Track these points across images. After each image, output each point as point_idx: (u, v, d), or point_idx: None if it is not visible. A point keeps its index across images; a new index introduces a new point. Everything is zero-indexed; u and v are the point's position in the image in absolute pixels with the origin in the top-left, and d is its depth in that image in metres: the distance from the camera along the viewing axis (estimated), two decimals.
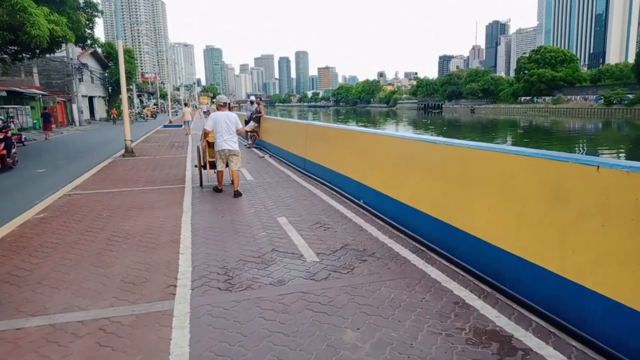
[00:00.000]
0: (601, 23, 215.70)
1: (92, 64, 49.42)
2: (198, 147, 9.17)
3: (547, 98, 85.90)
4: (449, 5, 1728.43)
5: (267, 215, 6.35)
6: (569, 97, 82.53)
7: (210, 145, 8.40)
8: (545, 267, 3.35)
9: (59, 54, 43.68)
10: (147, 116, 54.59)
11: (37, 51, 21.87)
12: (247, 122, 16.54)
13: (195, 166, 9.42)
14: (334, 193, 7.69)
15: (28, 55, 22.15)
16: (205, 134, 8.15)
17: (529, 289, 3.48)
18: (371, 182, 6.30)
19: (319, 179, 8.79)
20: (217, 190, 8.15)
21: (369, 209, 6.28)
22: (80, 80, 41.77)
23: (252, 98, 16.79)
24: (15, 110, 28.20)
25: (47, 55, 40.56)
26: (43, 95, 34.43)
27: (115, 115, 45.54)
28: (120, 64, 14.20)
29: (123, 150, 14.25)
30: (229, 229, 5.71)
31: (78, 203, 7.49)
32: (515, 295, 3.55)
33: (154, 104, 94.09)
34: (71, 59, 39.28)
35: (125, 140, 14.11)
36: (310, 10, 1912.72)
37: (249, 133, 16.37)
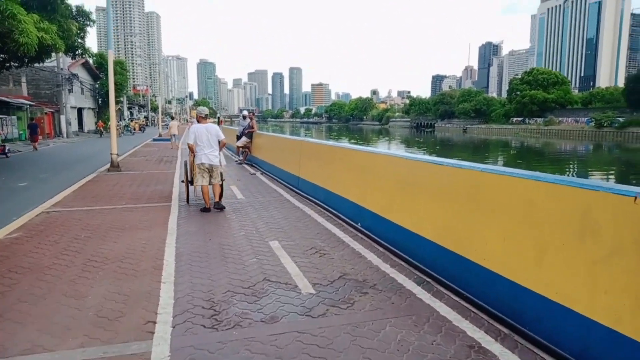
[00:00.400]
0: (592, 47, 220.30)
1: (82, 74, 48.94)
2: (185, 162, 8.88)
3: (538, 119, 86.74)
4: (443, 26, 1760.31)
5: (259, 239, 5.93)
6: (560, 119, 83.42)
7: None
8: (571, 307, 2.99)
9: (49, 63, 43.25)
10: (134, 129, 52.47)
11: (26, 60, 21.46)
12: (239, 138, 16.18)
13: (182, 181, 9.18)
14: (329, 215, 7.30)
15: (16, 64, 21.70)
16: (190, 148, 7.81)
17: (552, 332, 3.10)
18: (370, 204, 5.93)
19: (313, 199, 8.41)
20: (205, 210, 7.72)
21: (368, 233, 5.89)
22: (70, 91, 41.23)
23: (245, 113, 16.46)
24: (1, 121, 27.54)
25: (37, 65, 40.10)
26: (30, 105, 33.82)
27: (101, 128, 44.12)
28: (109, 74, 13.82)
29: (109, 165, 13.76)
30: (217, 253, 5.28)
31: (56, 222, 7.01)
32: (536, 338, 3.17)
33: (144, 117, 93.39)
34: (61, 69, 38.79)
35: (111, 154, 13.63)
36: (306, 27, 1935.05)
37: (241, 149, 16.00)
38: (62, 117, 39.21)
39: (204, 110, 8.21)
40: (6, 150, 20.47)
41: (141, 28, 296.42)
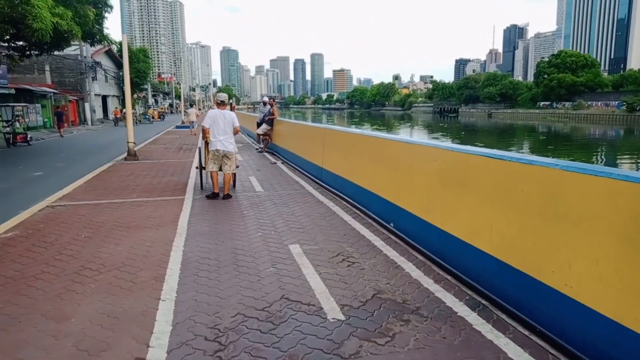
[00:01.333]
0: (623, 27, 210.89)
1: (106, 62, 48.98)
2: (200, 148, 8.64)
3: (567, 103, 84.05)
4: (466, 8, 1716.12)
5: (277, 241, 5.18)
6: (589, 102, 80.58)
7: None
8: None
9: (72, 52, 43.43)
10: (153, 117, 49.71)
11: (45, 47, 21.15)
12: (259, 125, 15.46)
13: (197, 167, 9.03)
14: (357, 212, 6.49)
15: (36, 52, 21.38)
16: (204, 131, 7.67)
17: None
18: (406, 203, 5.09)
19: (337, 193, 7.61)
20: (213, 196, 7.61)
21: (403, 236, 5.07)
22: (94, 78, 41.20)
23: (265, 99, 15.69)
24: (25, 109, 27.52)
25: (60, 53, 40.18)
26: (54, 93, 33.84)
27: (117, 116, 40.72)
28: (124, 59, 13.20)
29: (126, 154, 13.24)
30: (229, 260, 4.55)
31: (58, 218, 6.42)
32: None
33: (169, 104, 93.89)
34: (85, 57, 38.74)
35: (128, 142, 13.09)
36: (327, 12, 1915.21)
37: (261, 136, 15.28)
38: (87, 105, 39.28)
39: (222, 96, 7.90)
40: (28, 139, 20.28)
41: (165, 17, 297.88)
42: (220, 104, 7.68)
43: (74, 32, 16.36)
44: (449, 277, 4.00)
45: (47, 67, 35.40)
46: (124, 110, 36.30)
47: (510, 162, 3.36)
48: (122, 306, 3.55)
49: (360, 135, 7.16)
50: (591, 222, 2.67)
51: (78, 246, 5.12)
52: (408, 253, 4.69)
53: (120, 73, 54.76)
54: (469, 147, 4.25)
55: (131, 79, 50.73)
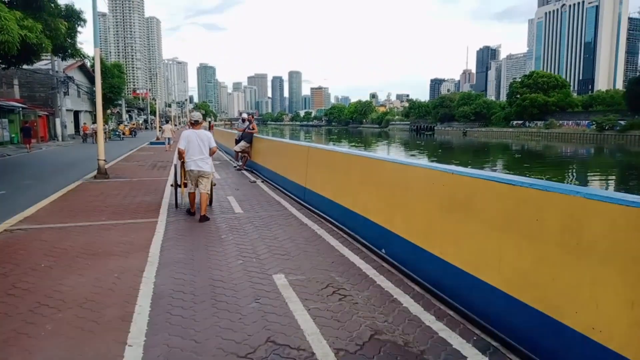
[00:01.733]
0: (590, 50, 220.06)
1: (79, 77, 47.81)
2: (175, 165, 8.47)
3: (539, 122, 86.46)
4: (441, 29, 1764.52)
5: (260, 270, 4.74)
6: (561, 122, 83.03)
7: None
8: None
9: (43, 66, 42.22)
10: (123, 134, 45.47)
11: (13, 61, 20.35)
12: (237, 142, 15.02)
13: (171, 185, 8.87)
14: (344, 236, 6.11)
15: (3, 65, 20.54)
16: (180, 153, 7.43)
17: None
18: (401, 228, 4.74)
19: (322, 215, 7.22)
20: (189, 213, 7.59)
21: (397, 264, 4.71)
22: (66, 93, 40.07)
23: (244, 115, 15.30)
24: None
25: (30, 67, 38.96)
26: (23, 108, 32.64)
27: (85, 132, 37.53)
28: (96, 73, 12.64)
29: (96, 172, 12.57)
30: (206, 295, 4.09)
31: (17, 244, 5.83)
32: None
33: (144, 120, 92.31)
34: (56, 71, 37.66)
35: (98, 160, 12.44)
36: (305, 31, 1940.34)
37: (240, 154, 14.83)
38: (57, 120, 38.06)
39: (196, 115, 7.70)
40: None
41: (141, 33, 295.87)
42: (194, 124, 7.43)
43: (44, 45, 15.74)
44: (451, 313, 3.63)
45: (15, 82, 34.23)
46: (92, 126, 34.50)
47: (521, 188, 3.04)
48: (82, 353, 3.05)
49: (349, 155, 6.77)
50: (624, 257, 2.36)
51: (36, 278, 4.57)
52: (404, 284, 4.32)
53: (94, 88, 53.63)
54: (474, 170, 3.94)
55: (105, 94, 49.71)
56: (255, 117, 19.90)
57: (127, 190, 10.34)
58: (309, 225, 6.78)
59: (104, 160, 12.54)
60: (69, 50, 19.88)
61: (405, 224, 4.63)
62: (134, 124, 60.51)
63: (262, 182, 11.62)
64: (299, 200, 8.64)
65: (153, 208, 8.18)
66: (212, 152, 7.33)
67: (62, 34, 17.52)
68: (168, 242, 5.90)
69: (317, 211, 7.50)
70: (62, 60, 21.57)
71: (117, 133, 44.28)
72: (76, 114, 46.98)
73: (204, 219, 7.12)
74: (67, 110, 40.61)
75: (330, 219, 6.90)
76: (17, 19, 14.00)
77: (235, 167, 15.12)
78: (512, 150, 57.11)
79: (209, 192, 7.79)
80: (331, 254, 5.35)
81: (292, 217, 7.45)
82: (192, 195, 7.50)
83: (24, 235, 6.31)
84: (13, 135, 31.21)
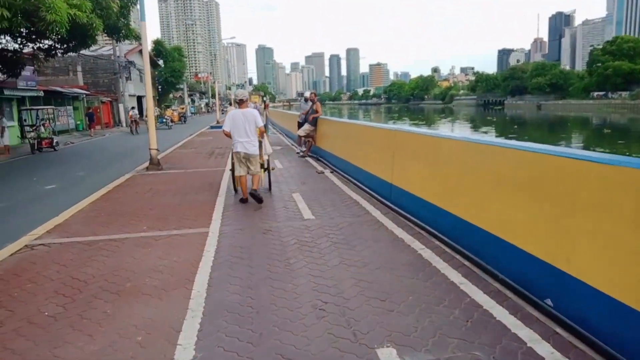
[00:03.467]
0: None
1: (140, 62, 48.27)
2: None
3: (623, 93, 78.39)
4: None
5: (352, 337, 3.00)
6: None
7: None
8: None
9: (106, 52, 42.84)
10: (170, 120, 36.35)
11: (70, 45, 19.86)
12: (300, 125, 13.34)
13: (230, 170, 8.43)
14: (464, 262, 4.23)
15: (61, 50, 20.12)
16: (227, 135, 7.14)
17: None
18: (582, 266, 2.80)
19: (421, 224, 5.36)
20: (242, 201, 7.15)
21: (588, 335, 2.78)
22: (128, 78, 40.35)
23: (307, 94, 13.55)
24: (55, 111, 26.52)
25: (92, 53, 39.58)
26: (87, 94, 32.97)
27: (132, 120, 29.83)
28: (144, 50, 11.36)
29: (148, 162, 11.41)
30: None
31: (30, 269, 4.50)
32: None
33: (206, 104, 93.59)
34: (118, 56, 37.89)
35: (150, 149, 11.25)
36: (361, 6, 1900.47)
37: (303, 138, 13.17)
38: (121, 106, 38.46)
39: (241, 93, 7.30)
40: (54, 143, 18.98)
41: (201, 16, 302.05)
42: (240, 103, 7.07)
43: (95, 25, 14.75)
44: None
45: (79, 68, 34.65)
46: (132, 112, 29.95)
47: None
48: None
49: (466, 143, 4.65)
50: None
51: (30, 339, 3.13)
52: None
53: (156, 72, 54.16)
54: None
55: (166, 78, 49.84)
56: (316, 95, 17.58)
57: (179, 185, 8.99)
58: (406, 241, 4.93)
59: (157, 149, 11.33)
60: (123, 31, 19.02)
61: (592, 260, 2.67)
62: (182, 108, 51.24)
63: (332, 172, 9.88)
64: (382, 199, 6.81)
65: (205, 211, 6.68)
66: (259, 133, 7.04)
67: (114, 13, 16.58)
68: (219, 269, 4.30)
69: (412, 217, 5.64)
70: (116, 41, 20.83)
71: (164, 120, 34.86)
72: (139, 99, 47.59)
73: (256, 198, 6.81)
74: (129, 95, 40.95)
75: (433, 230, 5.01)
76: None
77: (298, 153, 13.49)
78: (595, 124, 51.63)
79: (267, 174, 7.88)
80: (457, 299, 3.49)
81: (379, 225, 5.64)
82: (242, 179, 7.09)
83: (44, 254, 4.99)
84: (78, 122, 31.64)
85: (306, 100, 13.41)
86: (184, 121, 43.95)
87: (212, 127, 31.47)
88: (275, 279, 4.04)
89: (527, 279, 3.43)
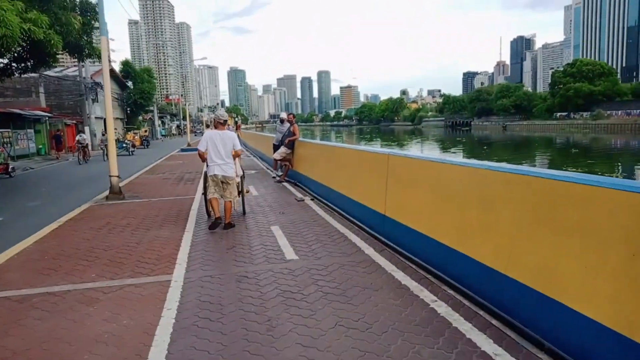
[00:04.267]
0: (634, 35, 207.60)
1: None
2: (205, 172, 7.43)
3: (584, 114, 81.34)
4: (471, 22, 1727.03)
5: None
6: (609, 112, 77.56)
7: None
8: None
9: (71, 72, 41.26)
10: (133, 145, 30.89)
11: (28, 64, 18.63)
12: (276, 147, 12.51)
13: (202, 194, 8.06)
14: (492, 320, 3.42)
15: (19, 70, 18.80)
16: (201, 156, 6.87)
17: None
18: None
19: (427, 267, 4.55)
20: (214, 225, 6.64)
21: None
22: (95, 100, 38.80)
23: (283, 115, 12.78)
24: (14, 135, 24.88)
25: (57, 74, 37.97)
26: (49, 117, 31.30)
27: (80, 145, 23.55)
28: (104, 66, 10.31)
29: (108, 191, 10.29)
30: None
31: None
32: None
33: (177, 126, 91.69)
34: (84, 77, 36.41)
35: (110, 176, 10.16)
36: (333, 30, 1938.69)
37: (279, 162, 12.33)
38: (86, 129, 36.77)
39: (223, 115, 6.98)
40: (9, 169, 17.50)
41: (172, 38, 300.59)
42: (221, 124, 6.83)
43: (53, 42, 13.69)
44: None
45: (41, 89, 32.93)
46: (80, 137, 23.95)
47: None
48: None
49: (493, 172, 3.77)
50: None
51: None
52: None
53: (124, 94, 52.56)
54: None
55: (135, 100, 48.34)
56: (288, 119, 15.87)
57: (142, 217, 7.95)
58: (412, 290, 4.10)
59: (118, 176, 10.24)
60: (86, 50, 17.91)
61: None
62: (145, 130, 46.10)
63: (312, 199, 9.05)
64: (373, 232, 6.00)
65: (169, 251, 5.71)
66: (236, 155, 6.85)
67: (75, 30, 15.54)
68: (181, 338, 3.35)
69: (412, 257, 4.84)
70: (79, 60, 19.61)
71: (124, 145, 29.51)
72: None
73: (229, 226, 6.70)
74: (96, 117, 39.32)
75: (444, 276, 4.21)
76: (19, 11, 11.98)
77: (274, 177, 12.63)
78: (566, 143, 52.77)
79: (241, 200, 7.69)
80: None
81: (375, 267, 4.80)
82: (214, 201, 6.72)
83: None
84: (40, 146, 29.90)
85: (282, 121, 12.62)
86: (147, 145, 38.83)
87: (182, 150, 30.32)
88: (254, 352, 3.12)
89: (588, 350, 2.64)
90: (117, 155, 10.65)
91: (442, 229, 4.37)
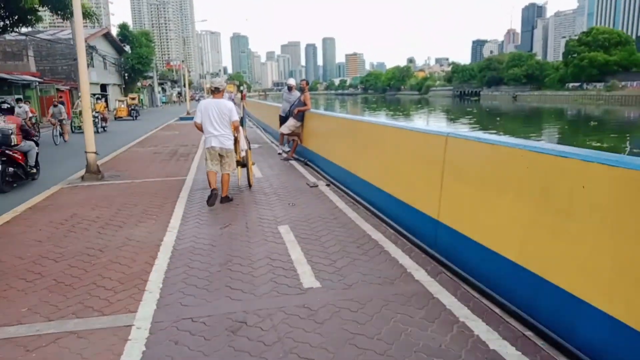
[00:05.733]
0: None
1: (104, 47, 44.64)
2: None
3: (598, 84, 78.55)
4: None
5: None
6: (624, 83, 74.78)
7: None
8: None
9: (64, 35, 39.06)
10: (100, 119, 20.44)
11: (8, 22, 16.83)
12: (283, 120, 10.79)
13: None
14: None
15: None
16: (197, 127, 6.40)
17: None
18: None
19: (510, 307, 2.99)
20: (209, 199, 6.20)
21: None
22: (90, 65, 36.79)
23: (291, 81, 11.01)
24: None
25: (49, 37, 35.80)
26: (40, 82, 29.42)
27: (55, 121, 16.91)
28: (77, 22, 8.45)
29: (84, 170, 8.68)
30: None
31: None
32: None
33: (178, 93, 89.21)
34: None
35: (86, 152, 8.52)
36: None
37: (287, 136, 10.67)
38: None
39: (217, 82, 6.52)
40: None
41: (174, 2, 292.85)
42: (215, 92, 6.34)
43: None
44: None
45: (30, 53, 30.89)
46: (54, 109, 17.00)
47: None
48: None
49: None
50: None
51: None
52: None
53: (122, 59, 50.34)
54: None
55: (133, 65, 45.77)
56: (296, 87, 13.68)
57: (117, 207, 6.38)
58: (502, 354, 2.55)
59: (95, 152, 8.60)
60: (70, 7, 15.99)
61: None
62: (133, 98, 37.78)
63: (327, 185, 7.44)
64: (418, 241, 4.41)
65: (140, 265, 4.14)
66: (233, 127, 6.41)
67: None
68: None
69: (490, 292, 3.27)
70: (63, 19, 17.68)
71: (95, 119, 19.09)
72: (103, 87, 43.89)
73: (226, 199, 6.45)
74: (92, 83, 37.41)
75: (567, 345, 2.64)
76: None
77: (280, 154, 10.97)
78: (581, 115, 50.68)
79: (246, 173, 7.43)
80: None
81: (437, 307, 3.23)
82: (211, 174, 6.38)
83: None
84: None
85: (290, 89, 10.84)
86: (135, 117, 31.99)
87: (181, 119, 28.70)
88: None
89: None
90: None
91: (555, 263, 2.76)
